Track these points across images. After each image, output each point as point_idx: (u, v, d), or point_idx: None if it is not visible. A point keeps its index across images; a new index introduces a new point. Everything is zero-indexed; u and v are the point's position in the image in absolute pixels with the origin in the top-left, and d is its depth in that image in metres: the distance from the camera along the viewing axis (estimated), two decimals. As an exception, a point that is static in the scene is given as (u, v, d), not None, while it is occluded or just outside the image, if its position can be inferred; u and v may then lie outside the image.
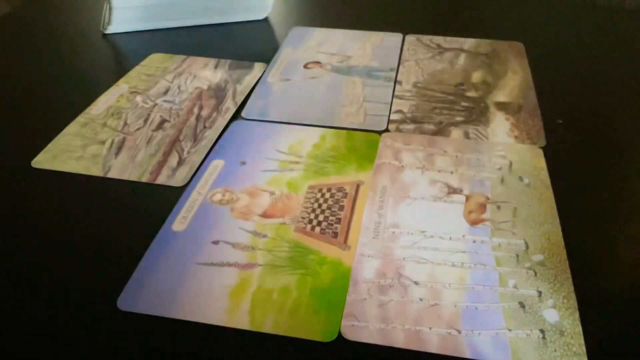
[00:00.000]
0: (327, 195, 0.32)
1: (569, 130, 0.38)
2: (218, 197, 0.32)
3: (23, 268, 0.28)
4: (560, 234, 0.29)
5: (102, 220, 0.30)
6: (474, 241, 0.29)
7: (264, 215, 0.31)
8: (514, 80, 0.44)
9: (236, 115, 0.40)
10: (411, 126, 0.38)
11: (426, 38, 0.51)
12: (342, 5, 0.60)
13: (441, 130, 0.38)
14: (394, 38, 0.51)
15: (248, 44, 0.51)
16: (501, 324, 0.25)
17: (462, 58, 0.47)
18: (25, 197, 0.32)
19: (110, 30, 0.52)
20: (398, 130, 0.38)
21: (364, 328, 0.24)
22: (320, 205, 0.31)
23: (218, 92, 0.42)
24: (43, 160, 0.35)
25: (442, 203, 0.31)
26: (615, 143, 0.37)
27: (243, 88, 0.43)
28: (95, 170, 0.34)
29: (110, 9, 0.50)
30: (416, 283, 0.26)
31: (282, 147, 0.36)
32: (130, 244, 0.29)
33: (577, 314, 0.25)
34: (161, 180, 0.33)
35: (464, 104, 0.41)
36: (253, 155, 0.35)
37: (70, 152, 0.36)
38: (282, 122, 0.39)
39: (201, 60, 0.47)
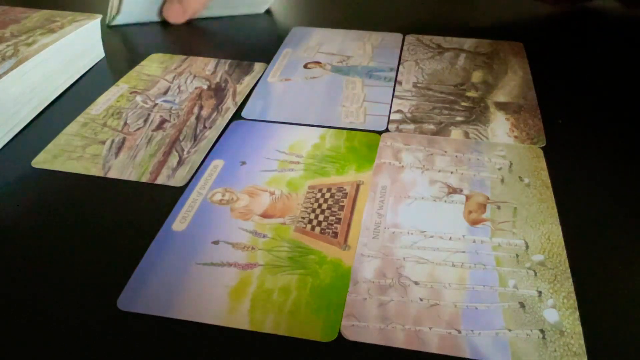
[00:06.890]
0: (327, 195, 0.32)
1: (569, 130, 0.38)
2: (218, 197, 0.32)
3: (22, 268, 0.28)
4: (560, 234, 0.29)
5: (101, 220, 0.30)
6: (474, 241, 0.29)
7: (264, 215, 0.31)
8: (514, 80, 0.44)
9: (236, 115, 0.40)
10: (411, 126, 0.38)
11: (426, 38, 0.51)
12: (342, 5, 0.60)
13: (441, 130, 0.38)
14: (394, 38, 0.51)
15: (248, 43, 0.51)
16: (501, 324, 0.25)
17: (462, 58, 0.47)
18: (25, 197, 0.32)
19: (117, 21, 0.52)
20: (398, 130, 0.38)
21: (364, 328, 0.24)
22: (320, 205, 0.31)
23: (218, 92, 0.42)
24: (43, 160, 0.35)
25: (442, 203, 0.31)
26: (616, 143, 0.37)
27: (243, 88, 0.43)
28: (95, 170, 0.34)
29: (119, 1, 0.51)
30: (416, 283, 0.26)
31: (282, 147, 0.36)
32: (130, 244, 0.29)
33: (577, 314, 0.25)
34: (161, 180, 0.33)
35: (464, 104, 0.41)
36: (253, 155, 0.35)
37: (70, 152, 0.36)
38: (282, 122, 0.39)
39: (201, 60, 0.47)
